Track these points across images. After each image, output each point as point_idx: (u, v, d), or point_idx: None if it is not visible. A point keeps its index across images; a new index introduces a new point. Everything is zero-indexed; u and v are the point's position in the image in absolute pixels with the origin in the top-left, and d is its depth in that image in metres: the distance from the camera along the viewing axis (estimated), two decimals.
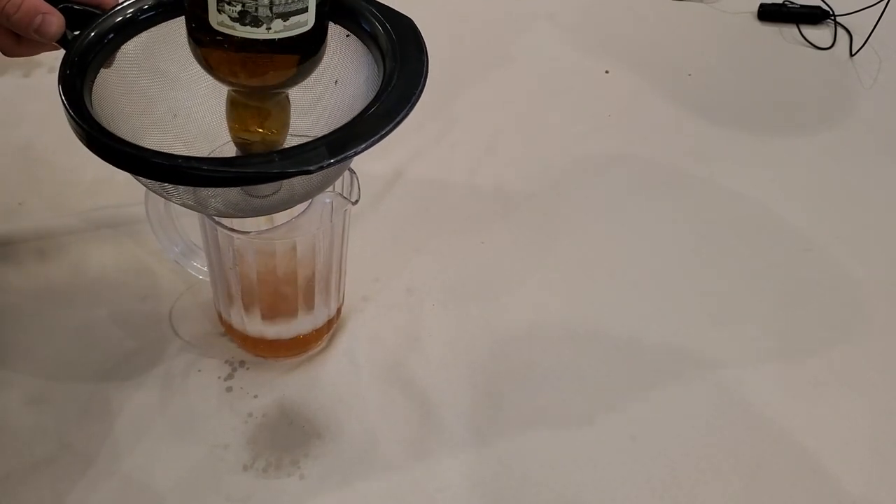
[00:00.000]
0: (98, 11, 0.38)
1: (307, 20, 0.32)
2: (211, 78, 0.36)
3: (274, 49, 0.33)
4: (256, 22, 0.31)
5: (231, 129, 0.37)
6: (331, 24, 0.38)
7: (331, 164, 0.31)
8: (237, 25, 0.31)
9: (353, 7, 0.38)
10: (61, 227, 0.57)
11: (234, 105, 0.36)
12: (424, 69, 0.34)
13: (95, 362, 0.49)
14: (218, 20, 0.31)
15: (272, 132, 0.37)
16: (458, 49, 0.78)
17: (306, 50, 0.34)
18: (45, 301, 0.53)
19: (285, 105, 0.37)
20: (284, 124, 0.37)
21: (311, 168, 0.30)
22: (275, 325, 0.48)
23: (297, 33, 0.32)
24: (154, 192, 0.37)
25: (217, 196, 0.36)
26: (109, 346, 0.50)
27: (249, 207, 0.36)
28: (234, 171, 0.31)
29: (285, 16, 0.31)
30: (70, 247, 0.56)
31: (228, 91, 0.36)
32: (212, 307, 0.52)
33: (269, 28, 0.31)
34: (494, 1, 0.86)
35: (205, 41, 0.33)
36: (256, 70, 0.34)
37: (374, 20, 0.37)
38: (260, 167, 0.30)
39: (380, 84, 0.35)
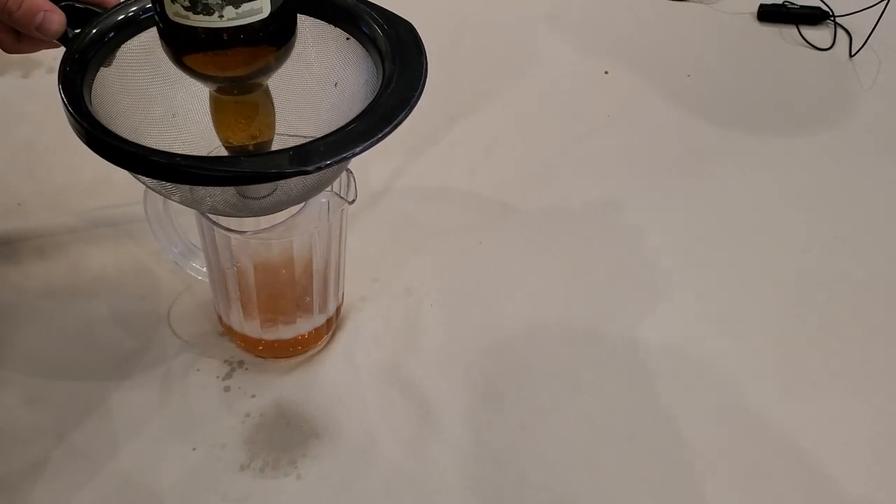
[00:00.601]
0: (99, 10, 0.38)
1: (260, 7, 0.32)
2: None
3: (236, 38, 0.32)
4: (208, 10, 0.31)
5: (217, 130, 0.37)
6: (331, 28, 0.39)
7: (329, 165, 0.31)
8: (190, 14, 0.31)
9: (353, 10, 0.38)
10: (60, 226, 0.57)
11: (216, 104, 0.36)
12: (424, 71, 0.34)
13: (94, 362, 0.50)
14: (173, 10, 0.31)
15: (256, 129, 0.37)
16: (458, 50, 0.78)
17: (270, 37, 0.33)
18: (45, 300, 0.53)
19: (267, 100, 0.37)
20: (269, 120, 0.37)
21: (309, 168, 0.30)
22: (274, 326, 0.48)
23: (251, 21, 0.32)
24: (153, 189, 0.37)
25: (215, 196, 0.36)
26: (108, 346, 0.50)
27: (247, 207, 0.36)
28: (233, 170, 0.31)
29: (236, 3, 0.31)
30: (69, 246, 0.56)
31: (210, 92, 0.36)
32: (211, 307, 0.52)
33: (222, 16, 0.31)
34: (494, 2, 0.86)
35: (168, 36, 0.33)
36: (224, 61, 0.33)
37: (373, 23, 0.37)
38: (258, 167, 0.30)
39: (379, 86, 0.35)
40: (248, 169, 0.30)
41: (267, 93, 0.37)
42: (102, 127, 0.32)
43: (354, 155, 0.31)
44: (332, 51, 0.39)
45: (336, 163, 0.31)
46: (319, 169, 0.31)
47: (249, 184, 0.32)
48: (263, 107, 0.37)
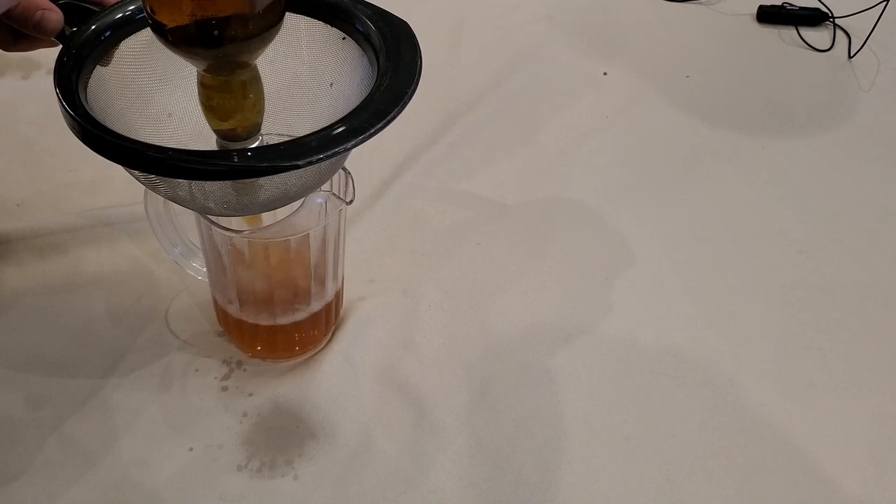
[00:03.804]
0: (97, 8, 0.39)
1: None
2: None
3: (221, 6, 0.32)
4: None
5: (206, 114, 0.37)
6: (327, 27, 0.39)
7: (320, 160, 0.31)
8: None
9: (348, 9, 0.38)
10: (60, 226, 0.57)
11: (204, 87, 0.36)
12: (418, 68, 0.35)
13: (93, 361, 0.50)
14: None
15: (246, 110, 0.37)
16: (457, 51, 0.78)
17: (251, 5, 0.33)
18: (43, 300, 0.53)
19: (255, 81, 0.37)
20: (258, 100, 0.37)
21: (300, 163, 0.30)
22: (273, 319, 0.48)
23: None
24: (150, 188, 0.37)
25: (208, 195, 0.36)
26: (107, 345, 0.51)
27: (241, 205, 0.36)
28: (224, 164, 0.31)
29: None
30: (68, 246, 0.56)
31: (198, 73, 0.36)
32: (210, 307, 0.52)
33: None
34: (494, 2, 0.86)
35: (151, 15, 0.33)
36: (209, 37, 0.33)
37: (368, 22, 0.37)
38: (249, 161, 0.30)
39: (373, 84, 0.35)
40: (240, 163, 0.30)
41: (255, 71, 0.36)
42: (94, 120, 0.32)
43: (347, 150, 0.31)
44: (328, 51, 0.39)
45: (327, 157, 0.31)
46: (311, 163, 0.31)
47: (240, 178, 0.32)
48: (254, 87, 0.36)
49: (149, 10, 0.33)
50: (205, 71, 0.35)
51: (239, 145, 0.38)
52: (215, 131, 0.38)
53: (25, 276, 0.54)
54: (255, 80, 0.36)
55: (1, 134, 0.66)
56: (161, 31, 0.33)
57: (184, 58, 0.35)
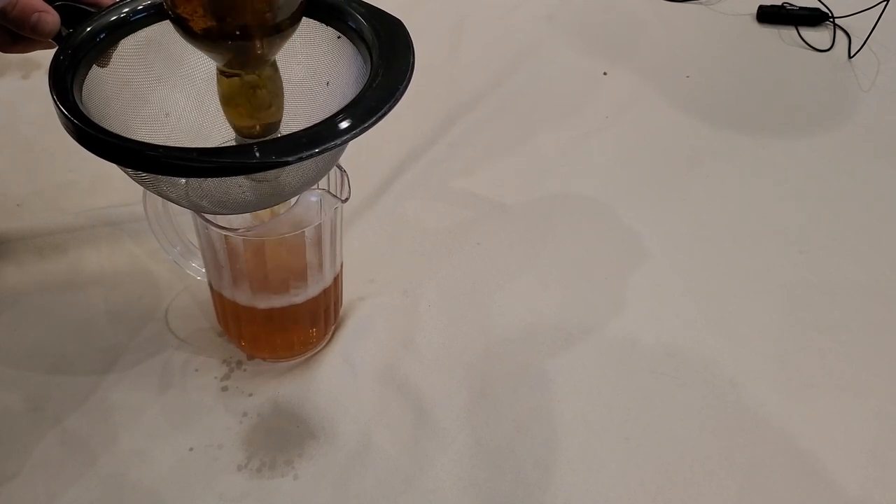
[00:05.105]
0: (93, 10, 0.39)
1: None
2: (203, 79, 0.36)
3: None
4: None
5: (225, 111, 0.37)
6: (322, 26, 0.39)
7: (311, 156, 0.31)
8: None
9: (343, 8, 0.38)
10: (60, 225, 0.57)
11: (224, 83, 0.36)
12: (410, 65, 0.35)
13: (93, 360, 0.50)
14: None
15: (266, 107, 0.37)
16: (457, 51, 0.78)
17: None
18: (43, 299, 0.53)
19: (275, 77, 0.37)
20: (277, 97, 0.37)
21: (290, 159, 0.30)
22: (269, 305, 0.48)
23: None
24: (143, 186, 0.37)
25: (202, 192, 0.36)
26: (107, 345, 0.51)
27: (236, 203, 0.36)
28: (214, 161, 0.30)
29: None
30: (68, 245, 0.56)
31: (218, 72, 0.36)
32: (209, 306, 0.52)
33: None
34: (494, 2, 0.86)
35: (172, 8, 0.33)
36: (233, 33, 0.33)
37: (362, 20, 0.37)
38: (238, 158, 0.30)
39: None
40: (229, 160, 0.30)
41: (275, 68, 0.37)
42: (88, 119, 0.32)
43: (336, 146, 0.31)
44: (324, 50, 0.39)
45: (317, 153, 0.31)
46: (301, 160, 0.31)
47: (230, 175, 0.32)
48: (273, 83, 0.36)
49: (170, 2, 0.33)
50: (224, 66, 0.35)
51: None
52: (235, 128, 0.38)
53: (25, 275, 0.54)
54: (275, 75, 0.37)
55: (1, 134, 0.66)
56: (182, 25, 0.33)
57: (204, 51, 0.35)
